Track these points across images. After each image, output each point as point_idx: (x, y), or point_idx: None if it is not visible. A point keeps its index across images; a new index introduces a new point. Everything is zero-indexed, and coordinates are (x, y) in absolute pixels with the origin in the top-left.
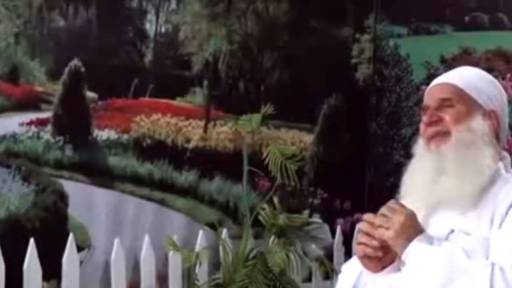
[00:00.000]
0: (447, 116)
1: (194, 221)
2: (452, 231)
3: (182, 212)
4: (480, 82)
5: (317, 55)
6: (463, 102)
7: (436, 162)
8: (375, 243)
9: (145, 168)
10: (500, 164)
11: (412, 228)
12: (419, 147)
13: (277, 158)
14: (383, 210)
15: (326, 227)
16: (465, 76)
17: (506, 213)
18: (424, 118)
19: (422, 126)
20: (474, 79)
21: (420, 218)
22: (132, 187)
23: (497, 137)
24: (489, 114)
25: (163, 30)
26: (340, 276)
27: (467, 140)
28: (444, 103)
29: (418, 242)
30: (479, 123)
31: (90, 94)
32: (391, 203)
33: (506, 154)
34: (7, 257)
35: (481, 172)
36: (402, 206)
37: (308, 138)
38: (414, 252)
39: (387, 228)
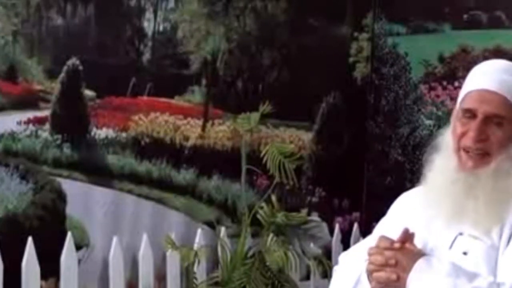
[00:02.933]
0: (494, 137)
1: (192, 220)
2: (461, 233)
3: (181, 210)
4: None
5: (315, 53)
6: (511, 123)
7: (469, 184)
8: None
9: (143, 167)
10: None
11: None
12: (448, 150)
13: (275, 157)
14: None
15: (324, 225)
16: None
17: None
18: (467, 127)
19: (460, 130)
20: None
21: (427, 218)
22: (130, 186)
23: None
24: None
25: (161, 28)
26: (337, 268)
27: (506, 169)
28: (493, 119)
29: (418, 273)
30: None
31: (88, 93)
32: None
33: None
34: (5, 256)
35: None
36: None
37: (307, 137)
38: (417, 283)
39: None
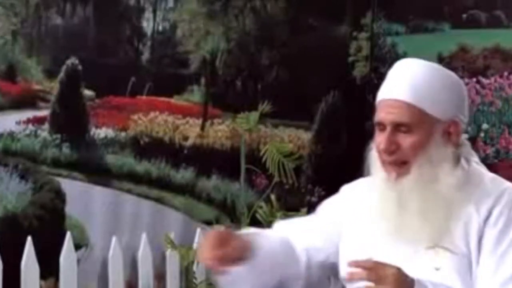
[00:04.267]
0: (405, 144)
1: (191, 219)
2: (437, 269)
3: (180, 210)
4: (435, 88)
5: (314, 53)
6: (421, 125)
7: (397, 194)
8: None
9: (142, 166)
10: (463, 162)
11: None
12: (377, 163)
13: (274, 156)
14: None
15: None
16: (419, 87)
17: (498, 237)
18: (380, 139)
19: (377, 144)
20: (430, 88)
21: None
22: (130, 185)
23: (457, 143)
24: (449, 127)
25: (160, 28)
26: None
27: (427, 173)
28: (400, 128)
29: None
30: (439, 147)
31: (88, 92)
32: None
33: (465, 141)
34: (4, 256)
35: (445, 201)
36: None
37: (306, 136)
38: None
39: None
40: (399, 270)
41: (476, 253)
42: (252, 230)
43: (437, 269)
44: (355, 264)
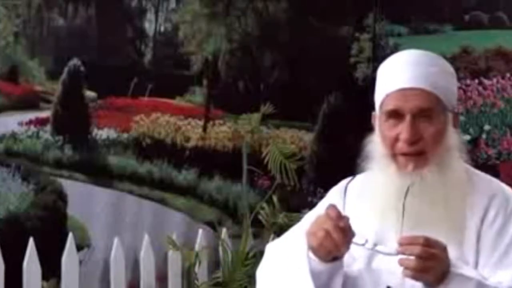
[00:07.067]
0: (427, 134)
1: (193, 220)
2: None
3: (182, 211)
4: (446, 78)
5: (316, 54)
6: (440, 114)
7: (417, 185)
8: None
9: (144, 168)
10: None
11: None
12: (384, 158)
13: (276, 157)
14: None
15: None
16: (431, 75)
17: (499, 233)
18: (397, 129)
19: (390, 135)
20: (441, 76)
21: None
22: (132, 187)
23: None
24: (454, 117)
25: (162, 29)
26: (271, 256)
27: (447, 163)
28: (421, 114)
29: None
30: (453, 137)
31: (90, 94)
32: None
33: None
34: (6, 256)
35: (462, 193)
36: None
37: (308, 137)
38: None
39: (423, 270)
40: (445, 248)
41: (474, 254)
42: None
43: None
44: (406, 240)
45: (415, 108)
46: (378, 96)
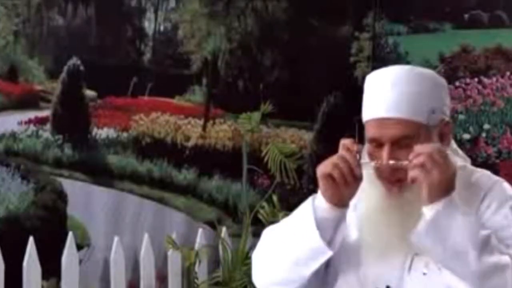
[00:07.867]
0: (406, 160)
1: (193, 220)
2: (416, 254)
3: (182, 210)
4: (431, 94)
5: (316, 53)
6: (418, 137)
7: (399, 207)
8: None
9: (144, 167)
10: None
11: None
12: (370, 176)
13: (276, 156)
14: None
15: None
16: (416, 97)
17: (493, 214)
18: (379, 156)
19: (372, 157)
20: (428, 94)
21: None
22: (132, 186)
23: (449, 142)
24: (442, 128)
25: (162, 28)
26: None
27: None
28: (401, 142)
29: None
30: None
31: (89, 93)
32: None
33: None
34: (6, 256)
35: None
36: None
37: (308, 136)
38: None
39: (428, 169)
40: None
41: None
42: None
43: (424, 274)
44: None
45: (394, 137)
46: (363, 115)
